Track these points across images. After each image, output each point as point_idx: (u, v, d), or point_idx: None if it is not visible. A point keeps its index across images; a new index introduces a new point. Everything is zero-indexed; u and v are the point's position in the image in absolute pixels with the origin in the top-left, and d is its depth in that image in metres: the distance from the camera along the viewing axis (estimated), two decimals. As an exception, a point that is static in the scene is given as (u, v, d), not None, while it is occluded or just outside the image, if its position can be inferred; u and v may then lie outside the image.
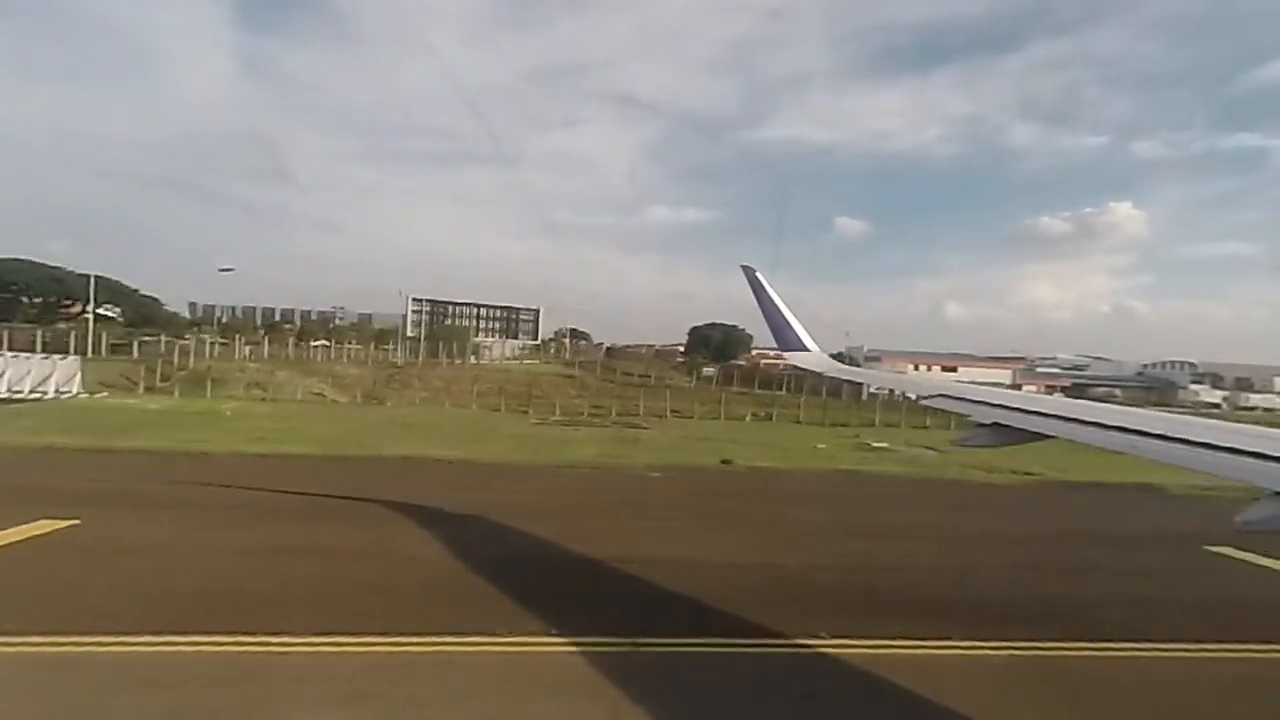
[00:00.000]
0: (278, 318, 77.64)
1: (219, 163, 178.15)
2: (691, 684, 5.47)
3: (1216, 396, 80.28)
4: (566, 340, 68.03)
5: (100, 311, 50.29)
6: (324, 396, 36.03)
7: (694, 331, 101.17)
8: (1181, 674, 6.68)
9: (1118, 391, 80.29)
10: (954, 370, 79.54)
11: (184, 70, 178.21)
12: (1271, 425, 6.27)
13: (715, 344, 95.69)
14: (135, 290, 57.09)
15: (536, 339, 72.82)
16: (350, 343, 54.38)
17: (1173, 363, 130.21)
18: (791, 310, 10.02)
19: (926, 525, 12.71)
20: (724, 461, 17.87)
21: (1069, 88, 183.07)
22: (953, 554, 10.62)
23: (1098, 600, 8.66)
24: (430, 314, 67.27)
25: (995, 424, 5.64)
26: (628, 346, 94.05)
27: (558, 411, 31.67)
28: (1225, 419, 14.82)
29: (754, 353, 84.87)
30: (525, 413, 31.45)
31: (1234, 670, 6.88)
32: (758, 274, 10.05)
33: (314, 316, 75.21)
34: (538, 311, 73.57)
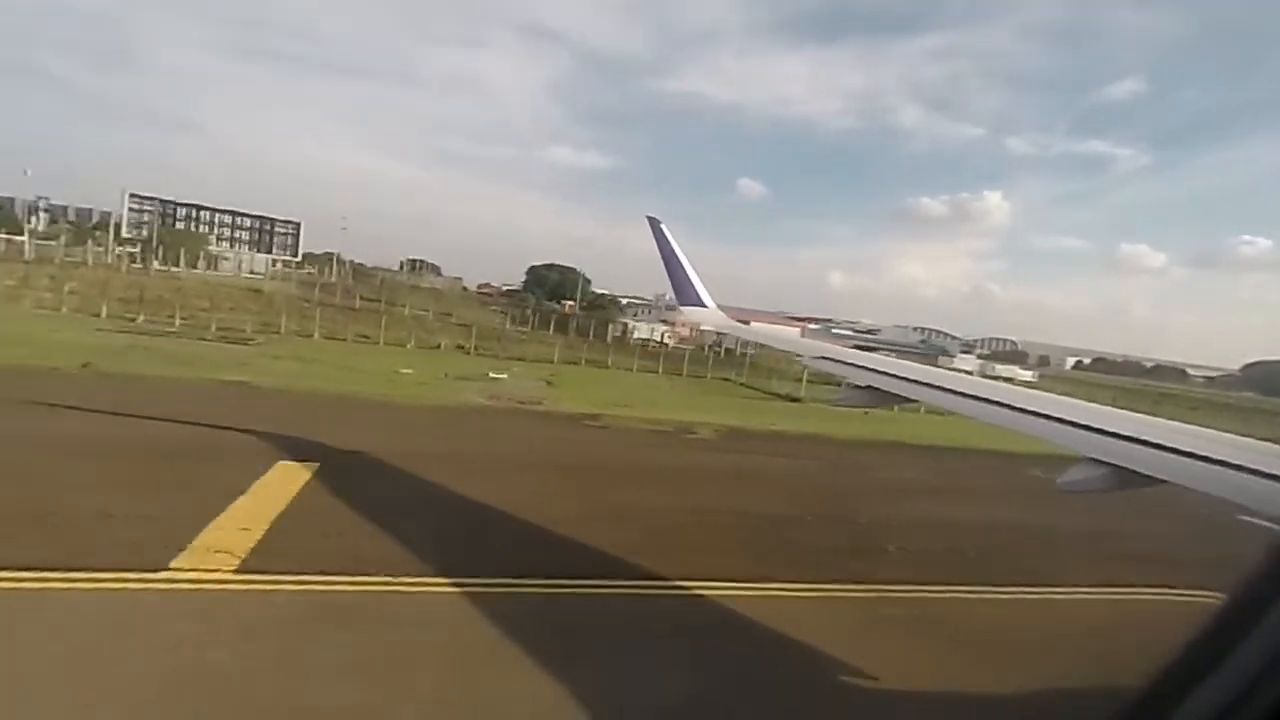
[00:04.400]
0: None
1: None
2: None
3: (974, 365, 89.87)
4: (337, 262, 62.41)
5: None
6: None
7: (532, 271, 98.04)
8: None
9: (893, 354, 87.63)
10: (746, 323, 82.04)
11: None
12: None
13: (551, 285, 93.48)
14: None
15: (297, 254, 66.23)
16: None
17: (1000, 339, 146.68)
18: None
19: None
20: (84, 365, 16.04)
21: (954, 78, 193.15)
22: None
23: None
24: (162, 216, 58.27)
25: (870, 387, 5.97)
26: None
27: (177, 324, 28.12)
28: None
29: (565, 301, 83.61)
30: (133, 320, 27.69)
31: None
32: (663, 227, 10.07)
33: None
34: (298, 225, 66.63)
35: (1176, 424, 4.39)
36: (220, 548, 7.60)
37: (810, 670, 6.54)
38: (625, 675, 6.11)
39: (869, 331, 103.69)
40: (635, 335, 48.33)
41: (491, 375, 25.41)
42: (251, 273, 51.96)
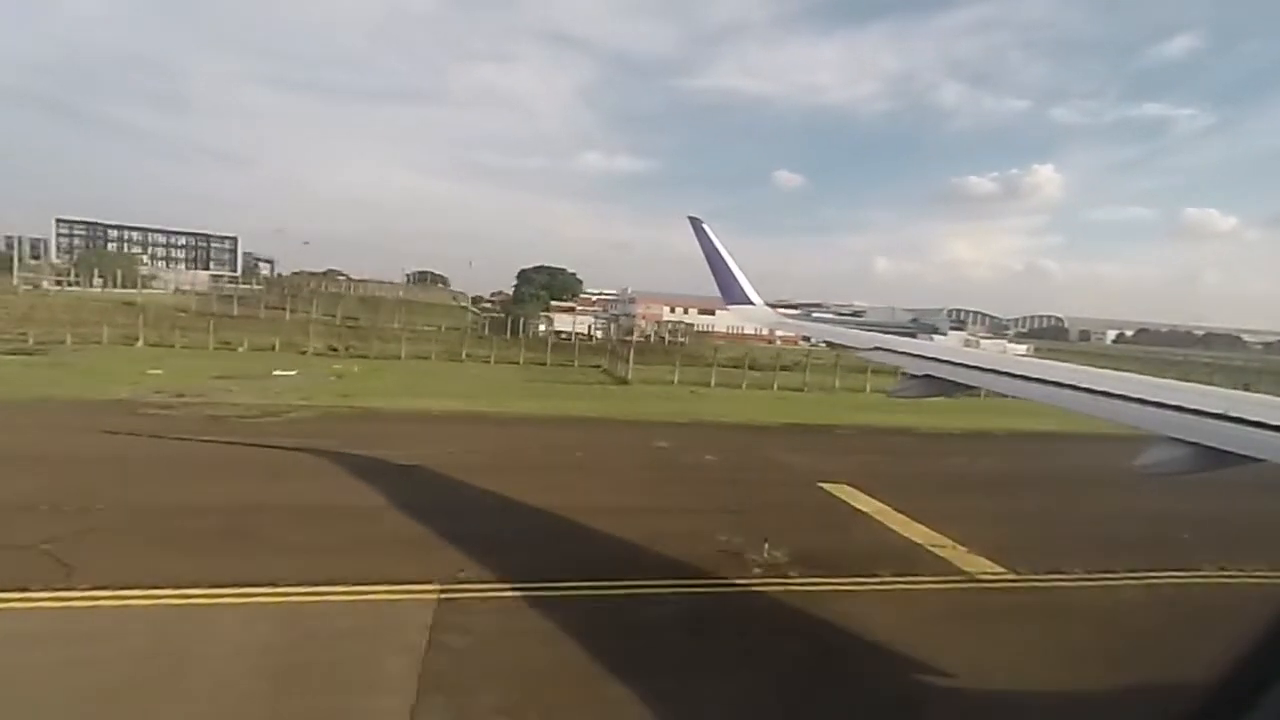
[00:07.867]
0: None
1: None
2: None
3: (959, 340, 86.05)
4: (270, 273, 62.99)
5: None
6: None
7: (521, 274, 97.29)
8: None
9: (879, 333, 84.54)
10: (711, 314, 79.84)
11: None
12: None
13: (539, 287, 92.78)
14: None
15: (236, 270, 66.81)
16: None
17: (1045, 316, 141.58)
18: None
19: None
20: None
21: (993, 50, 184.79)
22: None
23: None
24: (88, 238, 59.41)
25: (927, 376, 5.70)
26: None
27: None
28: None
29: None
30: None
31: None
32: (705, 226, 9.88)
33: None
34: (235, 240, 67.29)
35: (1269, 398, 4.17)
36: None
37: None
38: None
39: (856, 314, 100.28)
40: (543, 329, 49.07)
41: (276, 373, 24.47)
42: (179, 289, 52.59)
